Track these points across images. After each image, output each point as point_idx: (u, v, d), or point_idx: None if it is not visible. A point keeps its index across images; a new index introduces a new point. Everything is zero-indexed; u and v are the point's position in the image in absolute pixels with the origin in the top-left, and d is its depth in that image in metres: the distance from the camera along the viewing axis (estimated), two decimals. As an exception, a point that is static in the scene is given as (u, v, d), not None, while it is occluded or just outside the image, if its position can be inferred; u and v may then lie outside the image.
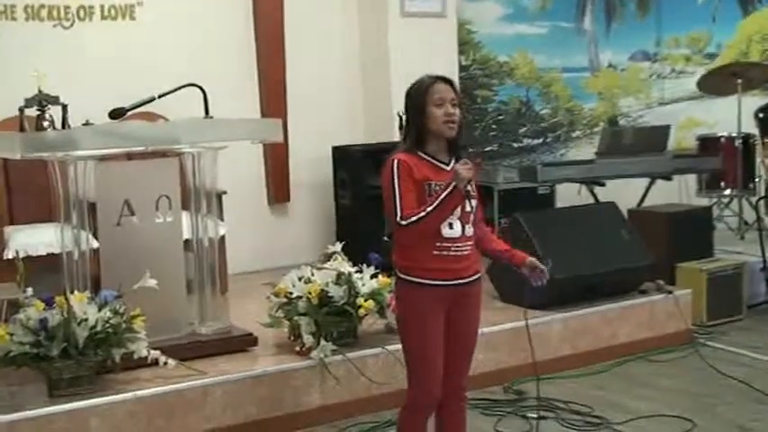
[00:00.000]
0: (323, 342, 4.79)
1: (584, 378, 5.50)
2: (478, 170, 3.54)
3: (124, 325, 4.38)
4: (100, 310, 4.36)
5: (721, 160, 7.82)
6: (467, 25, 8.51)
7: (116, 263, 4.76)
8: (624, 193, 7.45)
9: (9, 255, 5.63)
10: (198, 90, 4.98)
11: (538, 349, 5.44)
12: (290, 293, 4.96)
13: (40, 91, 5.37)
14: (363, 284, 4.98)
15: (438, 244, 3.56)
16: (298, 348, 4.89)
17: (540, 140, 9.11)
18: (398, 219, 3.49)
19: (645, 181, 7.81)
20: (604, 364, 5.69)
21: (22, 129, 5.30)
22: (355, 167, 7.21)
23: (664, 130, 7.88)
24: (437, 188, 3.53)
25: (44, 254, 5.60)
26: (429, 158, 3.61)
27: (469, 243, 3.64)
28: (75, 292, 4.45)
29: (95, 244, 4.85)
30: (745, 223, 8.18)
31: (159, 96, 4.97)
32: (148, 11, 6.91)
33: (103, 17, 6.80)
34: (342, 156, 7.39)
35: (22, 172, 5.93)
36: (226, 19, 7.31)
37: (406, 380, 3.74)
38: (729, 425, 4.74)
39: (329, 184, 7.48)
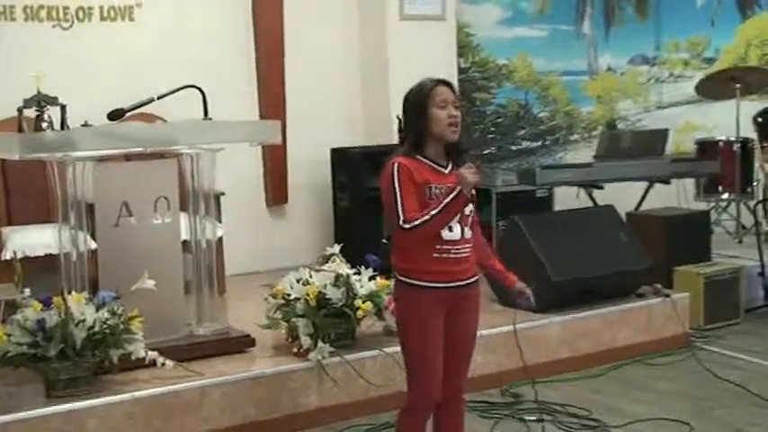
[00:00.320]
0: (321, 344, 4.79)
1: (581, 381, 5.50)
2: (481, 174, 3.56)
3: (122, 326, 4.38)
4: (97, 310, 4.36)
5: (719, 164, 7.83)
6: (466, 28, 8.51)
7: (114, 264, 4.76)
8: (623, 196, 7.46)
9: (7, 255, 5.62)
10: (197, 92, 4.99)
11: (536, 352, 5.48)
12: (288, 295, 4.96)
13: (38, 92, 5.38)
14: (361, 286, 4.99)
15: (438, 246, 3.57)
16: (295, 350, 4.89)
17: (539, 143, 9.12)
18: (401, 222, 3.50)
19: (644, 184, 7.81)
20: (602, 367, 5.69)
21: (20, 129, 5.30)
22: (354, 170, 7.21)
23: (662, 134, 7.90)
24: (437, 191, 3.54)
25: (42, 255, 5.60)
26: (428, 162, 3.61)
27: (468, 246, 3.65)
28: (73, 293, 4.44)
29: (93, 245, 4.85)
30: (743, 227, 8.18)
31: (158, 98, 4.98)
32: (147, 12, 6.91)
33: (102, 18, 6.80)
34: (340, 158, 7.38)
35: (21, 173, 5.92)
36: (225, 21, 7.31)
37: (404, 382, 3.75)
38: (727, 428, 4.75)
39: (328, 187, 7.48)
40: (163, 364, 4.48)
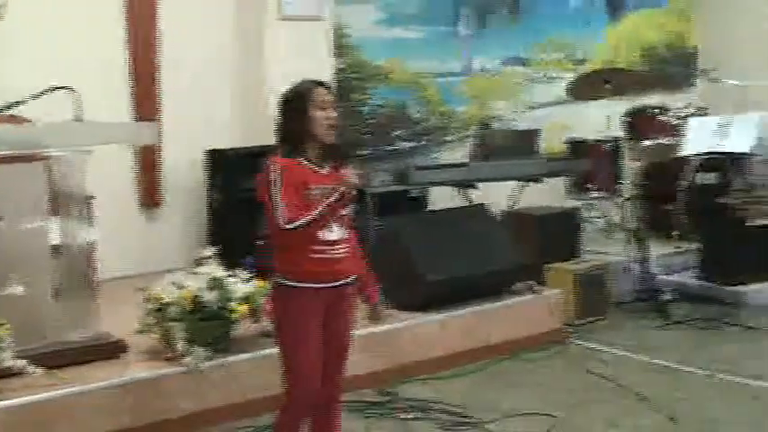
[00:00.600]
0: (196, 348, 4.74)
1: (457, 378, 5.57)
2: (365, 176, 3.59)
3: (-11, 334, 4.27)
4: (-37, 318, 4.23)
5: (591, 163, 8.02)
6: (342, 29, 8.51)
7: (-20, 270, 4.63)
8: (501, 195, 7.59)
9: None
10: (68, 92, 4.85)
11: (411, 351, 5.53)
12: (163, 299, 4.90)
13: None
14: (237, 289, 4.95)
15: (316, 247, 3.60)
16: (170, 354, 4.83)
17: (415, 144, 9.17)
18: (282, 222, 3.51)
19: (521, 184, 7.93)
20: (478, 363, 5.76)
21: None
22: (229, 171, 7.15)
23: (533, 134, 8.04)
24: (316, 192, 3.57)
25: None
26: (307, 163, 3.64)
27: (346, 245, 3.70)
28: (-63, 301, 4.31)
29: (-41, 251, 4.70)
30: (613, 224, 8.39)
31: (28, 99, 4.84)
32: (15, 11, 6.69)
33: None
34: (216, 159, 7.30)
35: None
36: (97, 20, 7.14)
37: (281, 384, 3.74)
38: (601, 422, 4.88)
39: (203, 188, 7.39)
40: (32, 373, 4.37)
